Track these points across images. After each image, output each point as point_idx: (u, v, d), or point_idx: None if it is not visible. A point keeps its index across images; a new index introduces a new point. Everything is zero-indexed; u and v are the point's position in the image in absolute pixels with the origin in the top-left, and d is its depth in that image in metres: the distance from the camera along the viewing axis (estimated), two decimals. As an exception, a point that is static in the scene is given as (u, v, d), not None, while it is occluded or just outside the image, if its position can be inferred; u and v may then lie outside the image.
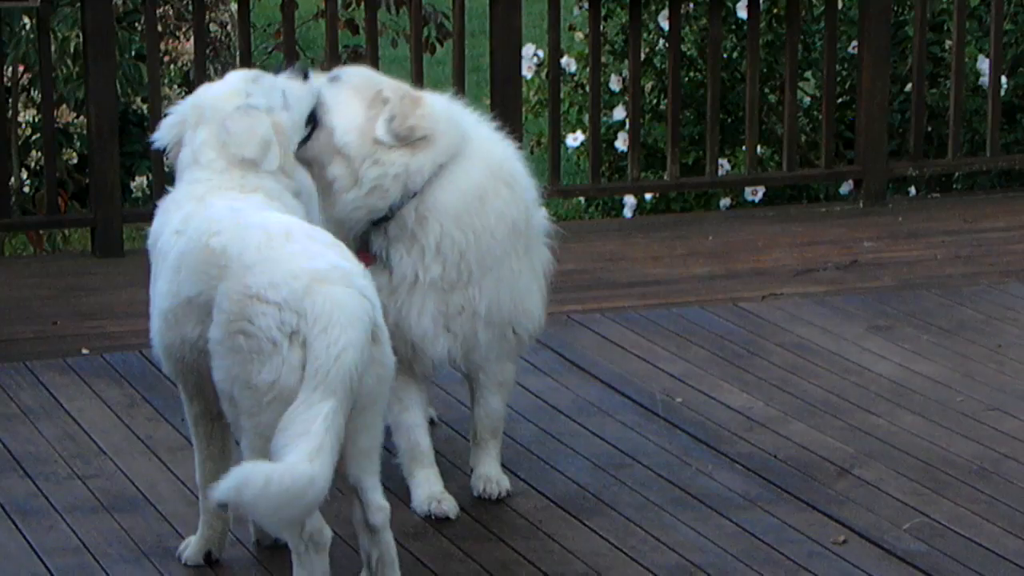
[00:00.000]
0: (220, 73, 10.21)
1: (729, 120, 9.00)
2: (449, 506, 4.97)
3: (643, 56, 8.66)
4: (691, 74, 9.07)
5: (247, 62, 7.71)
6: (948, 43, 8.81)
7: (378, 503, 4.39)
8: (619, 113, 8.90)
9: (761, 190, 8.82)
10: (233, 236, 4.34)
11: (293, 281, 4.18)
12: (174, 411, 5.70)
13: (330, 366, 4.11)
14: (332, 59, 7.84)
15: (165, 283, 4.47)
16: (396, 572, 4.43)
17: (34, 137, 9.72)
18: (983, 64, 8.84)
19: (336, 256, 4.29)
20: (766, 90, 9.02)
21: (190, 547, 4.71)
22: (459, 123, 4.99)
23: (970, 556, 4.75)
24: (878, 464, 5.32)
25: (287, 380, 4.17)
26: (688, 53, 9.05)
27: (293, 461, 4.01)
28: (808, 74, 9.29)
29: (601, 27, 8.30)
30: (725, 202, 8.93)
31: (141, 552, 4.78)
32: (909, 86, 8.61)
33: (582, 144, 9.04)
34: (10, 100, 9.14)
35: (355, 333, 4.15)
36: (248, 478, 3.99)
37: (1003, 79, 8.66)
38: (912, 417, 5.67)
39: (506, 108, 7.49)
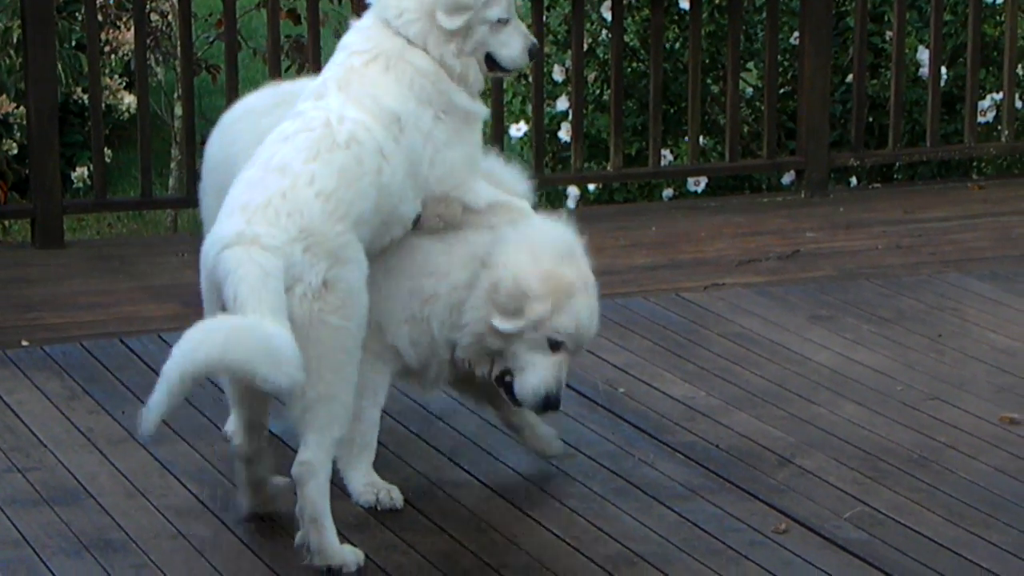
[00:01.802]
0: (161, 63, 10.20)
1: (672, 111, 9.02)
2: (397, 495, 4.97)
3: (586, 47, 8.66)
4: (634, 65, 9.09)
5: (188, 52, 7.67)
6: (889, 34, 8.86)
7: (301, 457, 4.55)
8: (562, 104, 8.91)
9: (704, 180, 8.85)
10: None
11: (211, 250, 4.56)
12: (115, 403, 5.68)
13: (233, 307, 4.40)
14: (273, 49, 7.81)
15: None
16: (319, 530, 4.54)
17: (-27, 128, 9.66)
18: (923, 55, 8.89)
19: (231, 221, 4.54)
20: (708, 81, 9.04)
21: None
22: None
23: (910, 544, 4.78)
24: (819, 453, 5.35)
25: None
26: (631, 44, 9.07)
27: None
28: (750, 65, 9.33)
29: (544, 17, 8.31)
30: (668, 192, 8.96)
31: (82, 545, 4.76)
32: (850, 77, 8.66)
33: (525, 135, 9.04)
34: (-52, 90, 9.08)
35: (240, 274, 4.39)
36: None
37: (943, 70, 8.71)
38: (853, 406, 5.70)
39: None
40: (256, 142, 4.87)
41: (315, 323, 4.52)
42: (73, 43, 10.42)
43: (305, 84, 5.31)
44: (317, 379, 4.53)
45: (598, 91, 9.11)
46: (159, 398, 4.25)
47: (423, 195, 4.87)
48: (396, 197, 4.77)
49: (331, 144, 4.67)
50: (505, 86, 8.54)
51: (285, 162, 4.64)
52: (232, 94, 7.61)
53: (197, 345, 4.27)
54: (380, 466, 5.21)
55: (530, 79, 8.43)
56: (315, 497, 4.56)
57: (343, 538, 4.79)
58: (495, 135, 8.04)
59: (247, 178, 4.66)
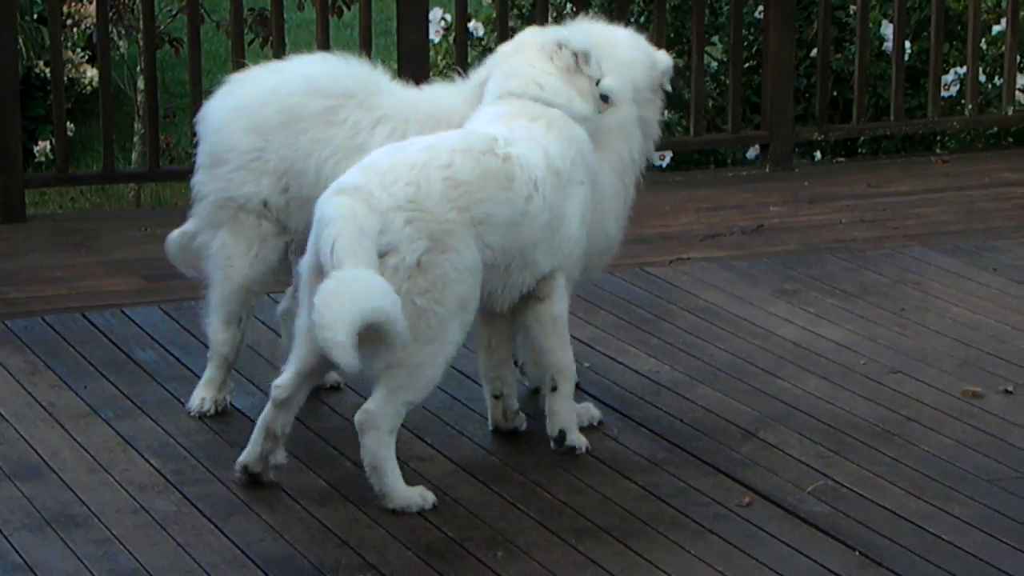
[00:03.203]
0: (124, 37, 10.13)
1: (636, 85, 9.00)
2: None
3: (550, 20, 8.64)
4: (599, 38, 9.06)
5: (150, 25, 7.62)
6: (853, 8, 8.86)
7: (365, 406, 4.75)
8: (527, 77, 8.87)
9: (669, 155, 8.85)
10: None
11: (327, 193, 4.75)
12: (77, 378, 5.66)
13: (328, 253, 4.58)
14: (236, 23, 7.77)
15: None
16: (379, 477, 4.74)
17: (-66, 101, 9.57)
18: (887, 29, 8.91)
19: (356, 173, 4.72)
20: (673, 55, 9.01)
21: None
22: None
23: (872, 517, 4.80)
24: (782, 427, 5.36)
25: None
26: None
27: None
28: (715, 39, 9.32)
29: (508, -9, 8.29)
30: (633, 166, 8.94)
31: (44, 520, 4.74)
32: (815, 51, 8.66)
33: (490, 108, 9.01)
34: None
35: (335, 229, 4.58)
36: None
37: (907, 44, 8.73)
38: (816, 380, 5.72)
39: (414, 73, 7.44)
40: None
41: (402, 300, 4.62)
42: (35, 16, 10.35)
43: (312, 62, 5.33)
44: (400, 346, 4.65)
45: (563, 65, 9.08)
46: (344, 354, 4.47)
47: (554, 260, 5.01)
48: (533, 237, 4.90)
49: (488, 151, 4.83)
50: (470, 60, 8.52)
51: (437, 142, 4.82)
52: (195, 67, 7.58)
53: (346, 306, 4.48)
54: (345, 440, 5.21)
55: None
56: (373, 447, 4.73)
57: (306, 512, 4.79)
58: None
59: (394, 144, 4.87)
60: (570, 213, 5.01)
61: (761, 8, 8.61)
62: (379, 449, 4.74)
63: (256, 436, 4.87)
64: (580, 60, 5.12)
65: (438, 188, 4.70)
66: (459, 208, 4.73)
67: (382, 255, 4.63)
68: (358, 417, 4.75)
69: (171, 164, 9.60)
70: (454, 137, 4.89)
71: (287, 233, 5.29)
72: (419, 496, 4.79)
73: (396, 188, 4.67)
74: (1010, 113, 8.71)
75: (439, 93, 5.36)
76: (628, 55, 5.27)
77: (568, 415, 5.15)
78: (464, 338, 4.84)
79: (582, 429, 5.28)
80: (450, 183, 4.73)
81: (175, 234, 5.52)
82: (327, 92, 5.23)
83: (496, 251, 4.82)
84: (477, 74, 5.28)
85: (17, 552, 4.57)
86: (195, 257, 5.42)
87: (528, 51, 5.17)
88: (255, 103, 5.27)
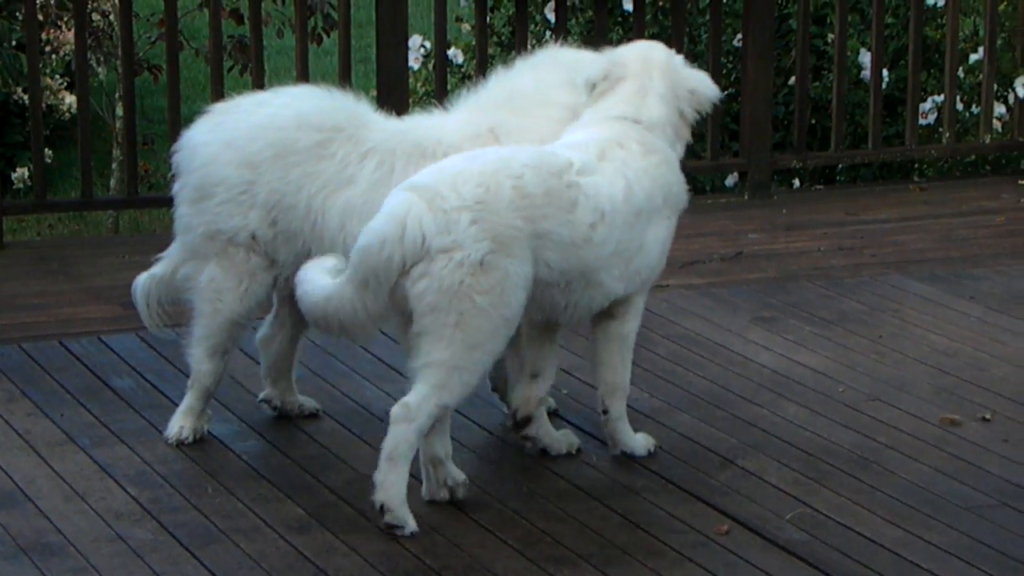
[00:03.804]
0: (102, 63, 10.13)
1: (615, 112, 9.02)
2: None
3: (530, 48, 8.66)
4: (578, 66, 9.08)
5: (129, 52, 7.62)
6: (831, 36, 8.90)
7: (404, 399, 4.77)
8: (506, 105, 8.88)
9: (647, 182, 8.85)
10: None
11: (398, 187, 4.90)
12: (54, 406, 5.64)
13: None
14: (216, 50, 7.77)
15: None
16: (389, 468, 4.74)
17: (-88, 127, 9.57)
18: (865, 57, 8.94)
19: (428, 174, 4.84)
20: (652, 82, 9.05)
21: None
22: None
23: (850, 545, 4.80)
24: (761, 455, 5.36)
25: None
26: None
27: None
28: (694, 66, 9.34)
29: (488, 19, 8.31)
30: (611, 194, 8.95)
31: (19, 548, 4.72)
32: (793, 79, 8.70)
33: (469, 136, 9.01)
34: None
35: (380, 223, 4.72)
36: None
37: (884, 72, 8.76)
38: (795, 408, 5.72)
39: (393, 99, 7.46)
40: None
41: (460, 295, 4.71)
42: (13, 43, 10.35)
43: (297, 95, 5.34)
44: (447, 345, 4.73)
45: (542, 92, 9.09)
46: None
47: (632, 285, 5.13)
48: (596, 263, 4.98)
49: (557, 174, 4.90)
50: (450, 87, 8.54)
51: (511, 155, 4.90)
52: (174, 94, 7.57)
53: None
54: (322, 468, 5.20)
55: (474, 80, 8.40)
56: (398, 439, 4.76)
57: (283, 540, 4.77)
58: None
59: (468, 153, 4.95)
60: (651, 242, 5.15)
61: (740, 36, 8.64)
62: (403, 444, 4.76)
63: (424, 473, 5.01)
64: (698, 112, 5.32)
65: (507, 194, 4.80)
66: (524, 218, 4.81)
67: (447, 251, 4.70)
68: (396, 409, 4.76)
69: (149, 191, 9.61)
70: (529, 153, 4.98)
71: (276, 267, 5.29)
72: (407, 520, 4.79)
73: (466, 189, 4.76)
74: (987, 141, 8.75)
75: (422, 123, 5.37)
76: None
77: (624, 434, 5.29)
78: (500, 353, 4.87)
79: (560, 457, 5.28)
80: (518, 192, 4.82)
81: (143, 278, 5.49)
82: (318, 126, 5.23)
83: (554, 269, 4.91)
84: (586, 66, 5.31)
85: (-8, 581, 4.55)
86: (159, 304, 5.43)
87: (658, 78, 5.29)
88: (245, 137, 5.26)
